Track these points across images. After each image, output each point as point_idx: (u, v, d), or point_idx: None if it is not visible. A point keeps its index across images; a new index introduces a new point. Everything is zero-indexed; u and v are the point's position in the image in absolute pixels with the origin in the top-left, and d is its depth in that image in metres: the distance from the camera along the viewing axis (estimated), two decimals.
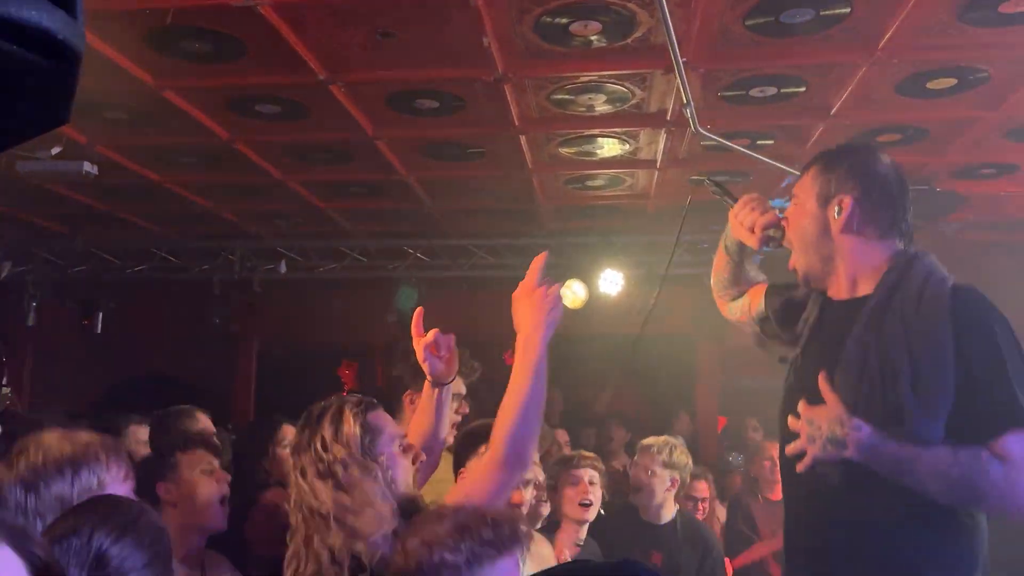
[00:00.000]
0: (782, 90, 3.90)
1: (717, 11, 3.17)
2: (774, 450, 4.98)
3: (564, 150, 4.79)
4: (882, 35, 3.31)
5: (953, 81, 3.76)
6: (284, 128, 4.48)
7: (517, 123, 4.31)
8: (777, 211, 2.23)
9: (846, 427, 1.83)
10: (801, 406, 1.93)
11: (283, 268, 6.85)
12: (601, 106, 4.12)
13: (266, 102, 4.14)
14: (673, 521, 3.61)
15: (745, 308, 2.40)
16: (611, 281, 6.48)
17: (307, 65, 3.63)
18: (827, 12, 3.17)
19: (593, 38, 3.40)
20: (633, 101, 4.06)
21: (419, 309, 2.34)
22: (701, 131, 4.12)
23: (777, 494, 4.91)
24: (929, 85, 3.80)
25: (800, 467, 1.91)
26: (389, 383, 2.87)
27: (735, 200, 2.35)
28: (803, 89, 3.88)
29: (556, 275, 6.65)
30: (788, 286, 2.27)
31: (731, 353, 7.43)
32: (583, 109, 4.16)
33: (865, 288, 2.01)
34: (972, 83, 3.79)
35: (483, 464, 2.05)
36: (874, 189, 2.03)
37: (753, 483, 5.10)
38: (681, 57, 3.32)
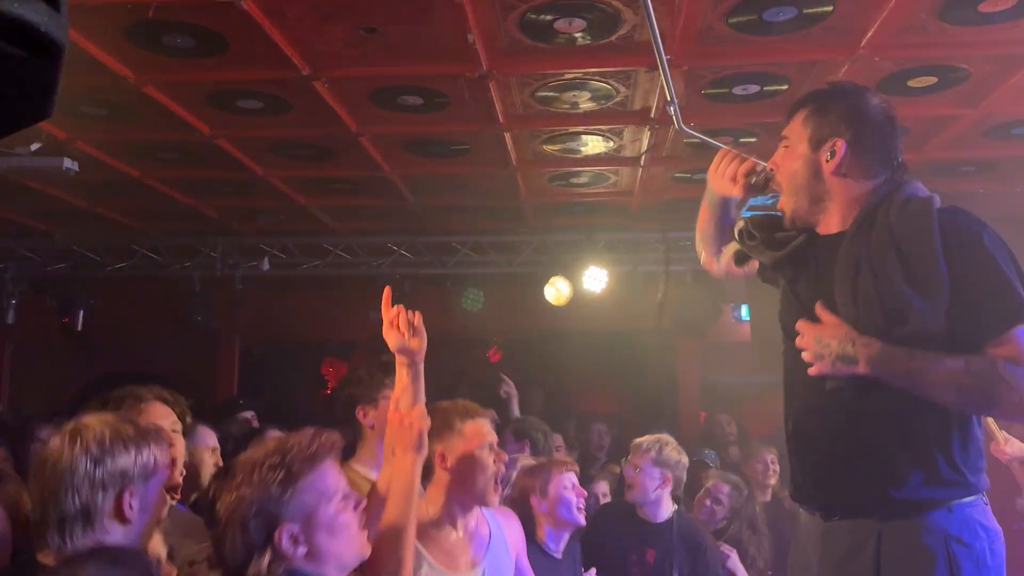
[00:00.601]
0: (765, 88, 3.92)
1: (700, 9, 3.18)
2: (768, 454, 5.01)
3: (548, 147, 4.80)
4: (864, 33, 3.34)
5: (933, 79, 3.80)
6: (266, 124, 4.46)
7: (501, 120, 4.31)
8: (752, 158, 2.25)
9: (857, 343, 1.84)
10: (803, 324, 1.94)
11: (266, 265, 6.82)
12: (585, 103, 4.12)
13: (248, 98, 4.12)
14: (669, 520, 3.61)
15: (730, 252, 2.41)
16: (595, 278, 6.50)
17: (290, 60, 3.61)
18: (810, 10, 3.19)
19: (577, 35, 3.41)
20: (617, 98, 4.07)
21: (387, 288, 2.37)
22: (685, 129, 4.13)
23: (767, 496, 4.92)
24: (910, 83, 3.84)
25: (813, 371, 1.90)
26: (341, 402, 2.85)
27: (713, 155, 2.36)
28: (786, 87, 3.91)
29: (541, 272, 6.77)
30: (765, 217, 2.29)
31: (710, 350, 7.48)
32: (567, 106, 4.16)
33: (842, 222, 2.04)
34: (952, 81, 3.83)
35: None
36: (866, 131, 2.02)
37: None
38: (665, 54, 3.34)
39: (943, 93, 3.95)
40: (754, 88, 3.91)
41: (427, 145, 4.82)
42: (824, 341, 1.89)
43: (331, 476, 1.74)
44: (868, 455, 1.91)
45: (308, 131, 4.60)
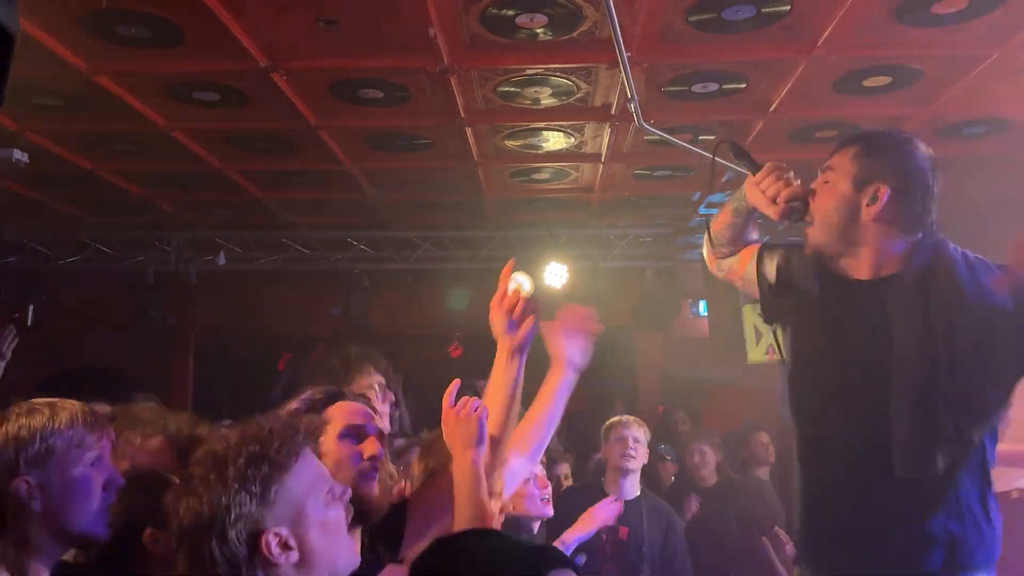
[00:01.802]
0: (723, 86, 3.96)
1: (661, 7, 3.20)
2: (704, 445, 5.13)
3: (510, 143, 4.80)
4: (821, 33, 3.39)
5: (888, 79, 3.88)
6: (223, 116, 4.38)
7: (463, 115, 4.29)
8: (799, 182, 2.14)
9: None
10: None
11: (222, 259, 6.72)
12: (547, 99, 4.13)
13: (204, 89, 4.05)
14: (638, 498, 3.72)
15: (735, 267, 2.32)
16: (556, 274, 6.53)
17: (247, 52, 3.56)
18: (768, 9, 3.23)
19: (539, 31, 3.41)
20: (578, 95, 4.08)
21: (510, 262, 2.27)
22: (645, 126, 4.17)
23: (707, 482, 5.04)
24: (865, 83, 3.91)
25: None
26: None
27: (756, 166, 2.22)
28: (744, 85, 3.95)
29: (500, 268, 6.74)
30: (778, 248, 2.24)
31: (670, 345, 7.55)
32: (529, 102, 4.16)
33: (889, 269, 1.98)
34: (906, 81, 3.90)
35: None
36: (912, 181, 1.98)
37: (685, 475, 5.22)
38: (625, 51, 3.36)
39: (897, 93, 4.03)
40: (713, 86, 3.95)
41: (388, 139, 4.79)
42: None
43: (314, 464, 1.45)
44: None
45: (266, 124, 4.54)
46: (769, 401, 7.74)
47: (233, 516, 1.33)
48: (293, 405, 1.88)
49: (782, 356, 2.11)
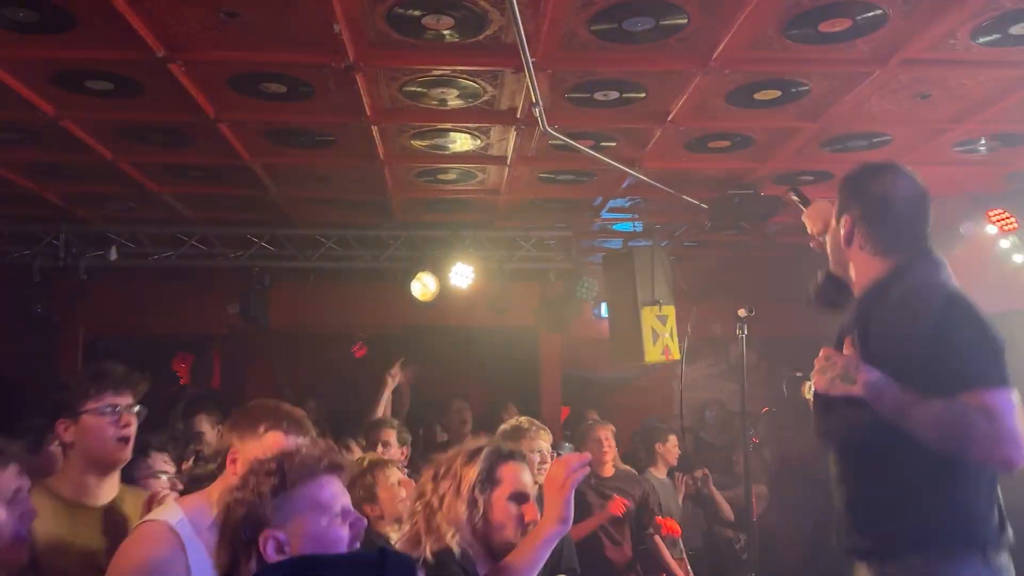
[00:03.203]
0: (624, 95, 4.06)
1: (564, 14, 3.27)
2: (602, 431, 5.26)
3: (416, 143, 4.80)
4: (715, 47, 3.52)
5: (777, 93, 4.06)
6: (117, 106, 4.23)
7: (369, 113, 4.27)
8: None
9: (860, 368, 2.14)
10: (823, 349, 2.27)
11: (113, 255, 6.45)
12: (454, 101, 4.15)
13: (97, 78, 3.89)
14: (538, 496, 3.80)
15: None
16: (461, 274, 6.56)
17: (143, 41, 3.44)
18: (666, 22, 3.34)
19: (446, 32, 3.43)
20: (485, 97, 4.12)
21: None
22: (549, 130, 4.25)
23: (606, 471, 5.16)
24: (756, 96, 4.08)
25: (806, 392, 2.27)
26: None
27: (807, 201, 2.64)
28: (643, 95, 4.07)
29: (406, 268, 6.75)
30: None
31: (571, 345, 7.70)
32: (436, 103, 4.17)
33: (860, 289, 2.32)
34: (794, 96, 4.10)
35: None
36: (879, 209, 2.28)
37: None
38: (530, 57, 3.43)
39: (786, 106, 4.23)
40: (614, 94, 4.05)
41: (290, 135, 4.72)
42: (832, 360, 2.22)
43: (329, 490, 1.70)
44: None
45: (162, 115, 4.40)
46: (664, 401, 8.02)
47: (243, 513, 1.62)
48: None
49: None
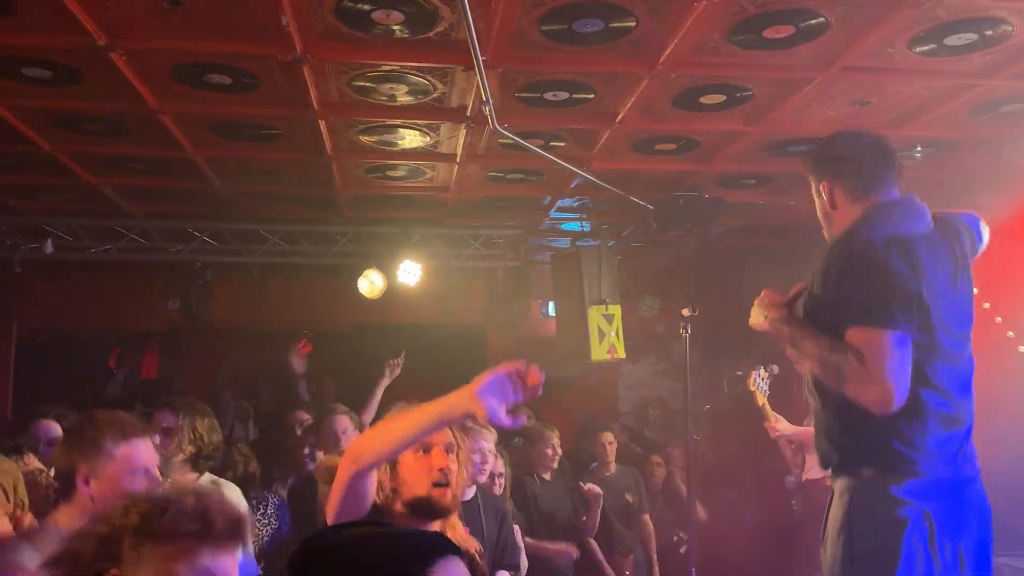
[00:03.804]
0: (573, 95, 4.09)
1: (515, 14, 3.28)
2: (555, 438, 5.32)
3: (365, 138, 4.76)
4: (663, 50, 3.57)
5: (722, 97, 4.14)
6: (55, 95, 4.10)
7: (316, 107, 4.22)
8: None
9: (771, 310, 2.54)
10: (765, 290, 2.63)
11: (49, 247, 6.27)
12: (403, 97, 4.13)
13: (34, 65, 3.77)
14: (475, 497, 3.80)
15: None
16: (409, 272, 6.53)
17: (83, 28, 3.35)
18: (615, 24, 3.38)
19: (395, 28, 3.41)
20: (435, 94, 4.11)
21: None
22: (499, 129, 4.26)
23: (549, 475, 5.23)
24: (702, 99, 4.15)
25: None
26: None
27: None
28: (592, 96, 4.11)
29: (353, 264, 6.69)
30: None
31: (518, 344, 7.72)
32: (385, 98, 4.15)
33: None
34: (738, 100, 4.19)
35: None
36: (841, 165, 2.54)
37: (531, 465, 5.37)
38: (481, 56, 3.43)
39: (730, 111, 4.31)
40: (564, 95, 4.08)
41: (235, 127, 4.63)
42: (762, 299, 2.62)
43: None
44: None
45: (102, 105, 4.29)
46: (607, 398, 8.11)
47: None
48: None
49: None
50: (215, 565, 1.44)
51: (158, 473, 2.31)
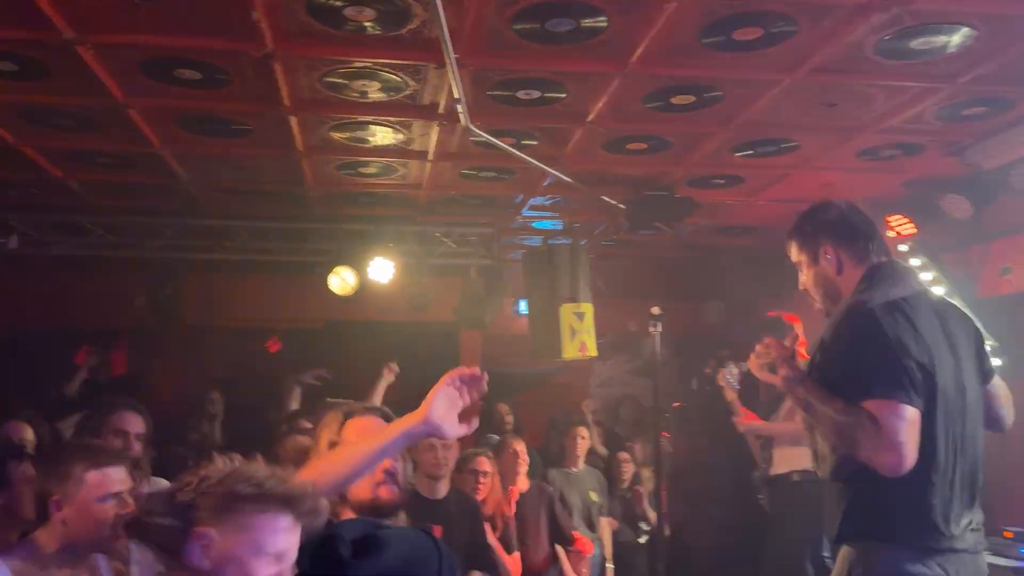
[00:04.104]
0: (545, 94, 4.11)
1: (487, 12, 3.28)
2: (518, 444, 5.33)
3: (336, 135, 4.74)
4: (634, 51, 3.60)
5: (692, 98, 4.17)
6: (20, 88, 4.04)
7: (287, 103, 4.20)
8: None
9: (786, 365, 2.54)
10: (766, 338, 2.63)
11: (13, 243, 6.17)
12: (375, 93, 4.12)
13: (0, 58, 3.72)
14: (447, 496, 3.80)
15: None
16: (381, 269, 6.51)
17: (50, 21, 3.30)
18: (587, 24, 3.40)
19: (367, 24, 3.40)
20: (407, 92, 4.10)
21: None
22: (471, 127, 4.27)
23: (521, 486, 5.22)
24: (672, 100, 4.18)
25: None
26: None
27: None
28: (564, 95, 4.12)
29: (324, 261, 6.65)
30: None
31: (490, 341, 7.74)
32: (356, 95, 4.13)
33: None
34: (708, 101, 4.22)
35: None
36: (840, 230, 2.66)
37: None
38: (453, 53, 3.43)
39: (700, 111, 4.35)
40: (536, 93, 4.09)
41: (205, 122, 4.59)
42: (768, 350, 2.61)
43: (273, 526, 1.70)
44: None
45: (69, 99, 4.23)
46: (579, 396, 8.14)
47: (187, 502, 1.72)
48: None
49: None
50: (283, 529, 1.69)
51: (131, 499, 2.35)
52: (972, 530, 2.44)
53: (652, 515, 5.88)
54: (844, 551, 2.49)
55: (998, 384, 2.65)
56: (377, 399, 5.58)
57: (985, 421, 2.56)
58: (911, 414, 2.33)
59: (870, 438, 2.30)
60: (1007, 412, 2.67)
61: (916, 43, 3.55)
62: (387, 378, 5.82)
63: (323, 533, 1.36)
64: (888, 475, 2.31)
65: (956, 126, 4.52)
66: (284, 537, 1.71)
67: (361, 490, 2.18)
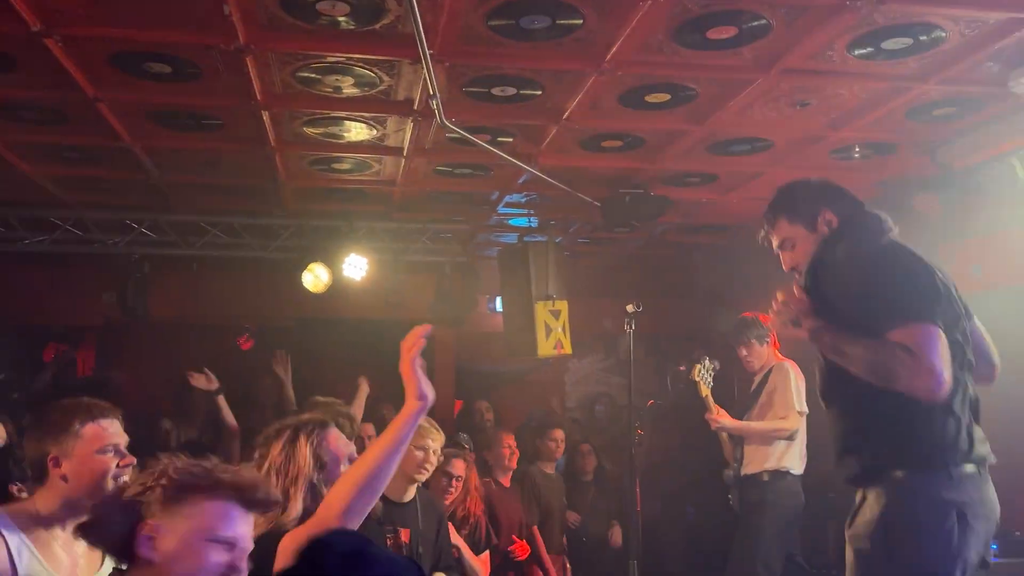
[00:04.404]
0: (521, 91, 4.10)
1: (462, 8, 3.26)
2: (510, 439, 5.35)
3: (309, 130, 4.69)
4: (609, 49, 3.60)
5: (667, 96, 4.18)
6: None
7: (259, 97, 4.15)
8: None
9: (808, 317, 2.61)
10: (782, 291, 2.67)
11: None
12: (349, 89, 4.08)
13: None
14: (414, 499, 3.78)
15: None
16: (355, 266, 6.47)
17: (17, 13, 3.23)
18: (562, 21, 3.39)
19: (341, 19, 3.37)
20: (381, 87, 4.07)
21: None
22: (446, 123, 4.24)
23: (507, 480, 5.25)
24: (647, 98, 4.19)
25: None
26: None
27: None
28: (540, 93, 4.12)
29: (297, 258, 6.59)
30: None
31: (465, 339, 7.72)
32: (330, 90, 4.10)
33: None
34: (682, 99, 4.24)
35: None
36: (829, 194, 2.81)
37: (487, 467, 5.37)
38: (428, 49, 3.41)
39: (675, 110, 4.36)
40: (511, 90, 4.08)
41: (175, 117, 4.53)
42: (787, 304, 2.67)
43: (216, 512, 1.77)
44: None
45: (36, 92, 4.15)
46: (554, 393, 8.16)
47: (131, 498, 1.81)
48: None
49: None
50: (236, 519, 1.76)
51: (127, 453, 2.38)
52: (984, 443, 2.56)
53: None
54: (872, 496, 2.54)
55: (979, 323, 2.76)
56: (358, 411, 5.54)
57: (978, 367, 2.65)
58: (941, 336, 2.40)
59: (906, 367, 2.36)
60: (996, 355, 2.79)
61: (888, 43, 3.58)
62: (364, 390, 5.77)
63: (318, 537, 1.36)
64: (928, 400, 2.39)
65: (927, 126, 4.57)
66: (234, 525, 1.75)
67: None
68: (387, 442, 2.14)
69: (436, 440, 3.84)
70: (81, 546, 2.29)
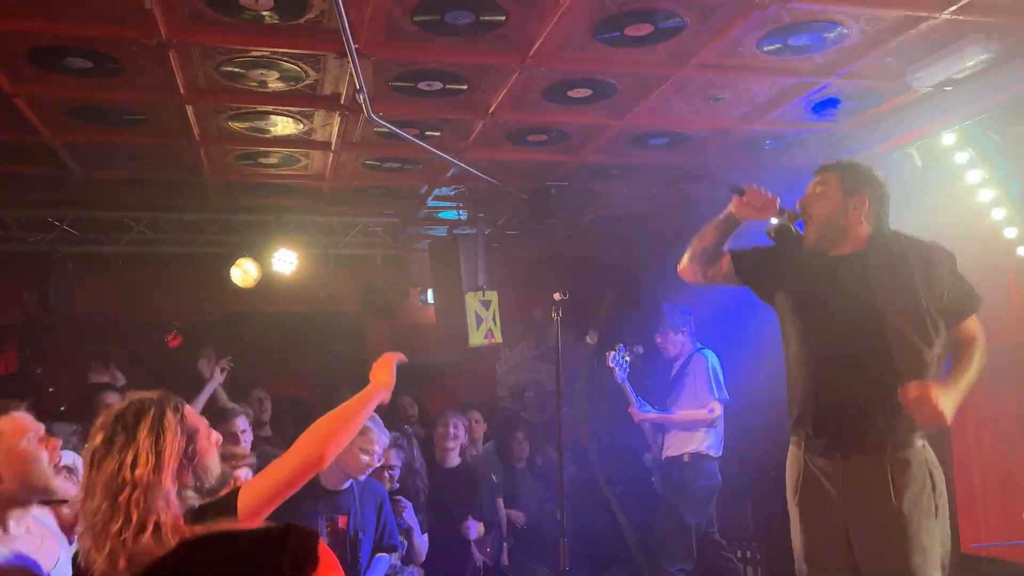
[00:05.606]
0: (447, 86, 4.17)
1: (386, 3, 3.32)
2: (453, 418, 5.44)
3: (235, 124, 4.68)
4: (532, 45, 3.70)
5: (588, 91, 4.31)
6: None
7: (183, 92, 4.13)
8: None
9: (947, 398, 2.77)
10: (914, 387, 2.75)
11: None
12: (274, 83, 4.09)
13: None
14: (351, 486, 3.83)
15: (719, 272, 3.30)
16: (285, 260, 6.45)
17: None
18: (485, 18, 3.48)
19: (265, 13, 3.38)
20: (307, 81, 4.09)
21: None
22: (374, 118, 4.29)
23: (449, 462, 5.33)
24: (569, 93, 4.31)
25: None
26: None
27: (740, 190, 3.19)
28: (465, 87, 4.20)
29: (225, 253, 6.54)
30: (745, 249, 3.29)
31: (400, 331, 7.76)
32: (255, 84, 4.10)
33: (859, 247, 3.02)
34: (603, 94, 4.37)
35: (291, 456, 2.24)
36: (879, 192, 3.06)
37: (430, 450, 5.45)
38: (353, 44, 3.45)
39: (596, 104, 4.49)
40: (437, 85, 4.15)
41: (97, 112, 4.46)
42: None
43: None
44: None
45: None
46: (486, 383, 8.26)
47: None
48: None
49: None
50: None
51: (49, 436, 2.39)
52: None
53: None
54: (903, 457, 2.86)
55: None
56: (201, 403, 5.49)
57: None
58: None
59: (986, 349, 2.91)
60: None
61: (794, 40, 3.77)
62: (217, 379, 5.73)
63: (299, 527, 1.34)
64: None
65: (831, 119, 4.81)
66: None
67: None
68: (351, 408, 2.42)
69: (380, 445, 3.89)
70: (39, 534, 2.34)
